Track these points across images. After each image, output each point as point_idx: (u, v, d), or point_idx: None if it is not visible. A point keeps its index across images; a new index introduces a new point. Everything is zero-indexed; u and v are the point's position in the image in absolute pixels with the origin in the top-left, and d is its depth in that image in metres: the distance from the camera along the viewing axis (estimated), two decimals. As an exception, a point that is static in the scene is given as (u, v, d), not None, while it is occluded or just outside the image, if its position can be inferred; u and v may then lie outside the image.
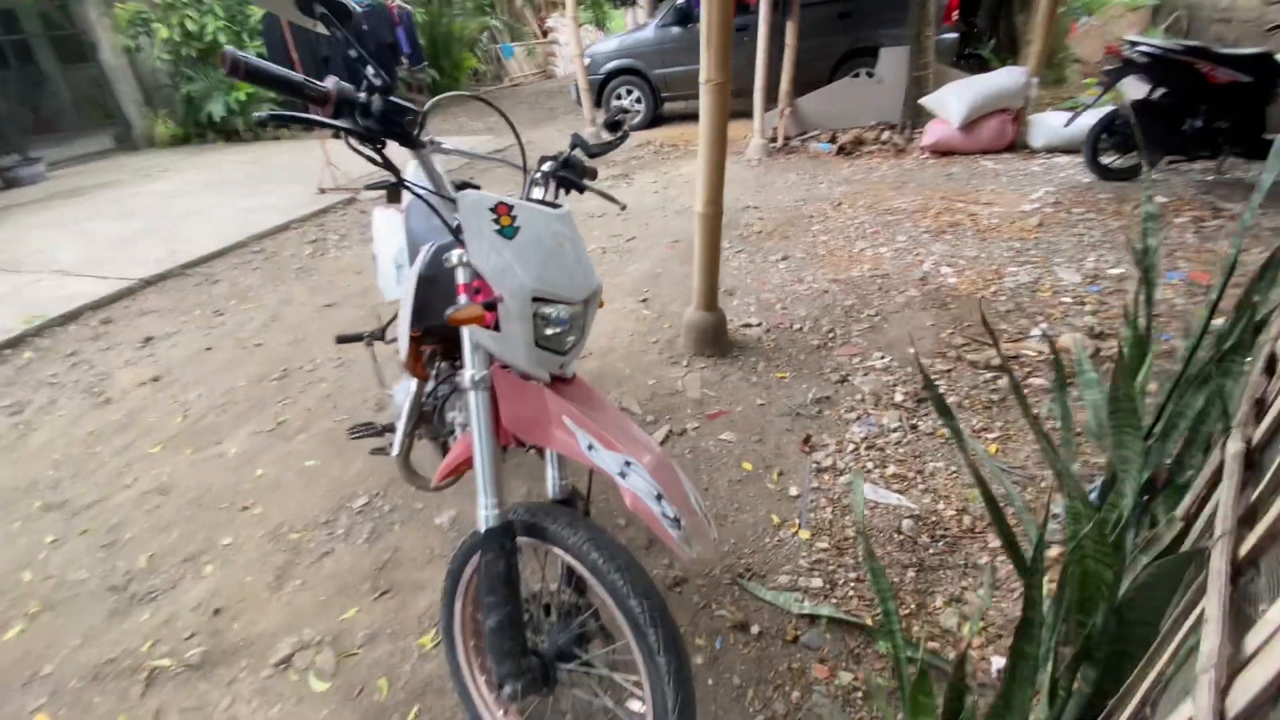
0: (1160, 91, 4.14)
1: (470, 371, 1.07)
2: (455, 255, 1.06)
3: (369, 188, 2.04)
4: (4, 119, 8.53)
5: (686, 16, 7.62)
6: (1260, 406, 0.77)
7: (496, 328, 1.04)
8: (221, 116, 8.97)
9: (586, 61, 7.70)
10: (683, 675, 0.99)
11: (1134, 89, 4.43)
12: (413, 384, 1.47)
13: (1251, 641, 0.49)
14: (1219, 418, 1.03)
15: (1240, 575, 0.56)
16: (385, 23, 6.40)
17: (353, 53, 0.98)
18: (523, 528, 1.12)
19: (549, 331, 1.06)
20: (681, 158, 6.44)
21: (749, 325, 2.94)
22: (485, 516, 1.08)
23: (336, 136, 0.96)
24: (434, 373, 1.54)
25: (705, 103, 2.27)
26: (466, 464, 1.23)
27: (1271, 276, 1.41)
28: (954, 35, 7.33)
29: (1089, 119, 4.58)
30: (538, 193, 1.26)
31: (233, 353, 3.17)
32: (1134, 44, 4.19)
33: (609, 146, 1.39)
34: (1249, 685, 0.44)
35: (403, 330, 1.24)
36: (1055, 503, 1.72)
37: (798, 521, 1.80)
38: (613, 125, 1.38)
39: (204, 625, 1.70)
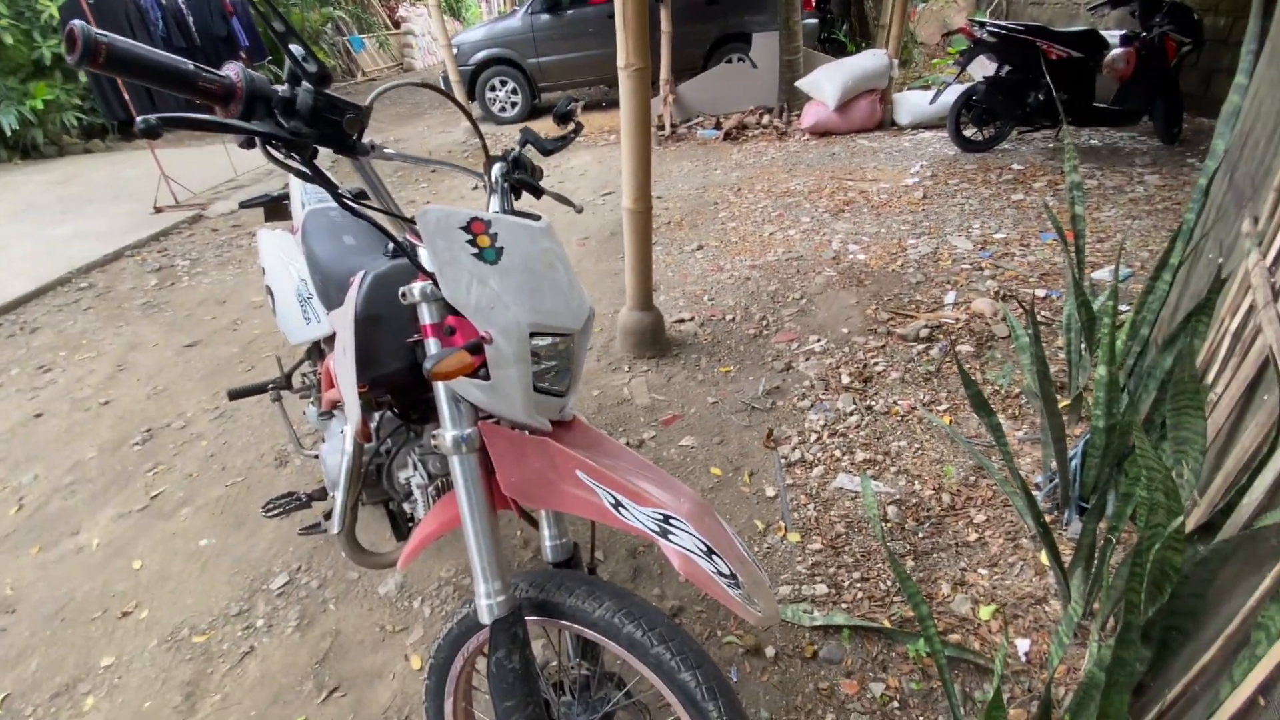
0: (1007, 69, 4.54)
1: (452, 432, 0.86)
2: (417, 289, 0.84)
3: (246, 205, 1.71)
4: None
5: (556, 4, 7.37)
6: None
7: (482, 374, 0.84)
8: (13, 130, 7.47)
9: (454, 52, 7.21)
10: (753, 748, 0.86)
11: (984, 67, 4.83)
12: (349, 443, 1.21)
13: None
14: (1189, 377, 1.06)
15: None
16: (216, 12, 5.57)
17: (278, 26, 0.73)
18: (531, 606, 0.94)
19: (544, 370, 0.88)
20: (571, 150, 6.22)
21: (682, 321, 2.85)
22: (489, 606, 0.87)
23: (249, 145, 0.71)
24: (375, 426, 1.28)
25: (626, 90, 2.12)
26: (439, 536, 1.01)
27: (1185, 243, 1.51)
28: (814, 21, 7.68)
29: (949, 96, 4.94)
30: (497, 202, 1.05)
31: (72, 417, 2.60)
32: (983, 25, 4.55)
33: (564, 141, 1.21)
34: None
35: (348, 389, 0.99)
36: (1035, 473, 1.77)
37: (783, 524, 1.73)
38: (564, 116, 1.20)
39: (94, 779, 1.33)
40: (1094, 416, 1.30)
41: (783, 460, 1.97)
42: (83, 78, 7.78)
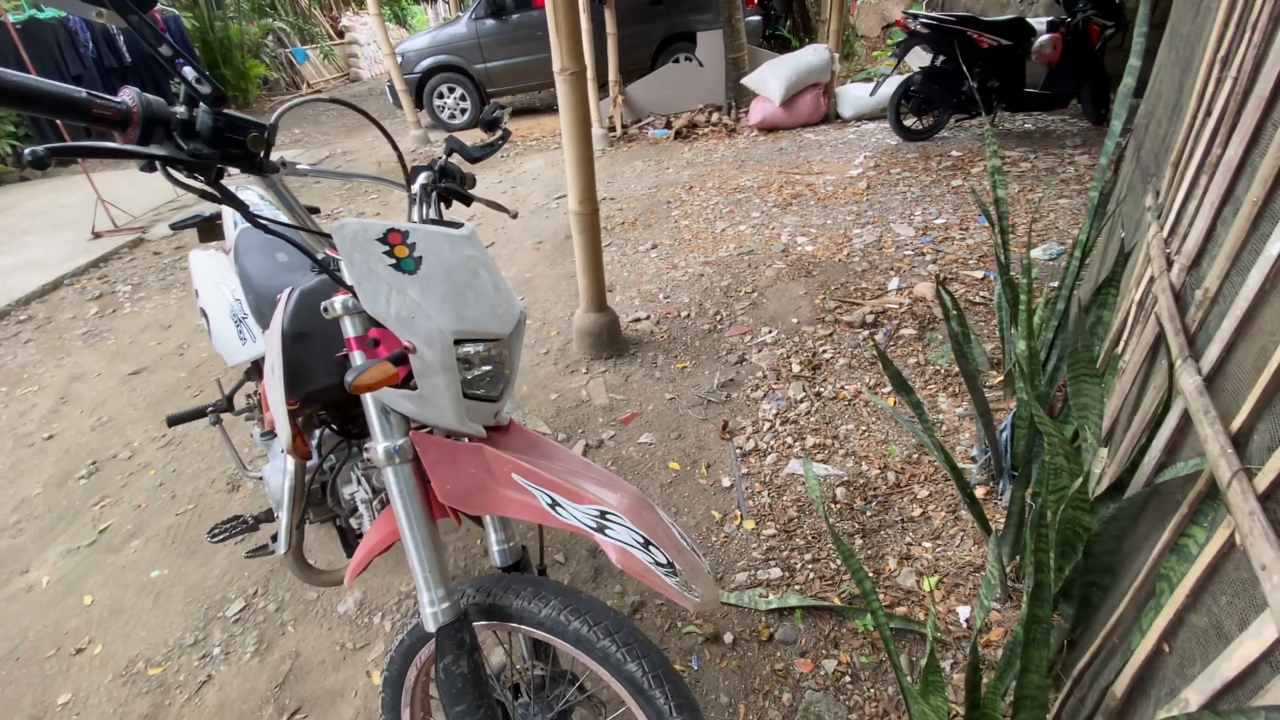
0: (941, 59, 4.69)
1: (384, 444, 0.87)
2: (338, 302, 0.85)
3: (176, 227, 1.68)
4: None
5: (500, 8, 7.33)
6: (1191, 339, 0.83)
7: (408, 384, 0.85)
8: (-70, 159, 7.13)
9: (399, 60, 7.12)
10: (699, 725, 0.89)
11: (920, 58, 4.98)
12: (290, 462, 1.20)
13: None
14: (1083, 347, 1.13)
15: (1266, 502, 0.57)
16: (148, 30, 5.40)
17: (165, 50, 0.73)
18: (479, 611, 0.95)
19: (475, 376, 0.89)
20: (522, 154, 6.21)
21: (638, 320, 2.88)
22: (433, 614, 0.89)
23: (150, 169, 0.71)
24: (316, 443, 1.28)
25: (564, 94, 2.13)
26: (383, 549, 1.02)
27: (1103, 215, 1.60)
28: (757, 18, 7.80)
29: (888, 88, 5.08)
30: (418, 212, 1.06)
31: (15, 454, 2.50)
32: (916, 17, 4.69)
33: (491, 148, 1.22)
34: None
35: (277, 407, 0.99)
36: (970, 447, 1.85)
37: (739, 513, 1.77)
38: (490, 124, 1.22)
39: (48, 823, 1.30)
40: (1019, 390, 1.37)
41: (738, 451, 2.01)
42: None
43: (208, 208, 1.62)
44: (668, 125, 6.34)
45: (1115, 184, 1.68)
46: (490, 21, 7.41)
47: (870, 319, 2.58)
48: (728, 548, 1.68)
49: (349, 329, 0.86)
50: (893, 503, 1.72)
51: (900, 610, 1.42)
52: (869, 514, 1.70)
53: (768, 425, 2.10)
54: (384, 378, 0.78)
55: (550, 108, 8.13)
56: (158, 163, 0.69)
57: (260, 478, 1.44)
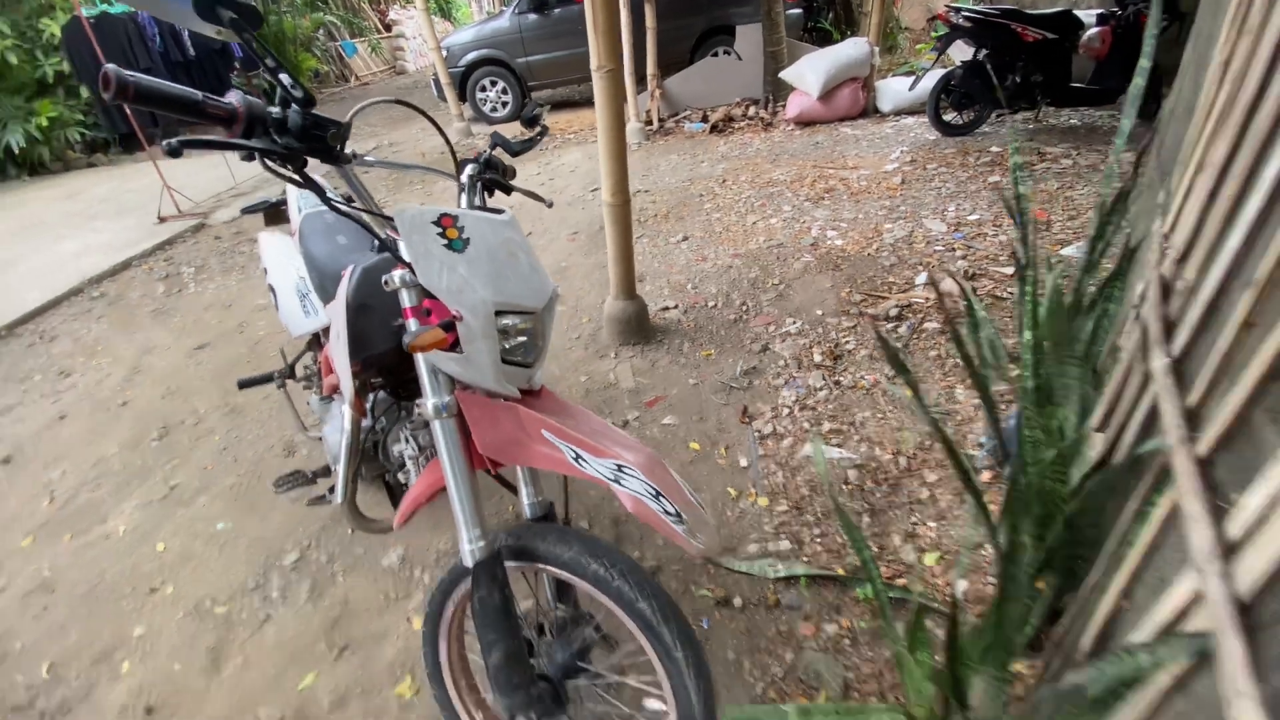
0: (984, 52, 4.63)
1: (433, 400, 1.00)
2: (397, 276, 0.98)
3: (248, 211, 1.85)
4: None
5: (543, 3, 7.48)
6: (1169, 326, 0.89)
7: (456, 349, 0.98)
8: (21, 148, 7.65)
9: (444, 54, 7.33)
10: (702, 665, 1.00)
11: (962, 51, 4.93)
12: (347, 421, 1.35)
13: (1235, 528, 0.57)
14: (1065, 331, 1.18)
15: (1204, 469, 0.64)
16: (255, 44, 5.74)
17: (270, 61, 0.87)
18: (510, 553, 1.08)
19: (512, 345, 1.01)
20: (560, 147, 6.35)
21: (667, 309, 2.98)
22: (470, 550, 1.02)
23: (249, 158, 0.85)
24: (370, 406, 1.42)
25: (600, 90, 2.24)
26: (429, 498, 1.15)
27: (1123, 209, 1.63)
28: (798, 10, 7.76)
29: (929, 81, 5.04)
30: (466, 199, 1.19)
31: (93, 418, 2.75)
32: (959, 10, 4.64)
33: (530, 143, 1.34)
34: (1253, 568, 0.51)
35: (343, 368, 1.13)
36: (981, 435, 1.90)
37: (754, 490, 1.86)
38: (530, 120, 1.34)
39: (134, 731, 1.49)
40: (1023, 378, 1.43)
41: (756, 434, 2.10)
42: (85, 95, 7.94)
43: (271, 194, 1.79)
44: (704, 119, 6.39)
45: (1135, 181, 1.70)
46: (533, 16, 7.56)
47: (895, 312, 2.63)
48: (741, 522, 1.77)
49: (406, 299, 0.99)
50: (903, 486, 1.79)
51: (900, 581, 1.50)
52: (878, 495, 1.77)
53: (786, 411, 2.18)
54: (436, 340, 0.91)
55: (589, 101, 8.25)
56: (257, 154, 0.83)
57: (319, 437, 1.60)
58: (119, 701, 1.56)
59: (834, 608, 1.48)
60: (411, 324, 0.99)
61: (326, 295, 1.45)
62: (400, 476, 1.44)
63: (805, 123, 5.88)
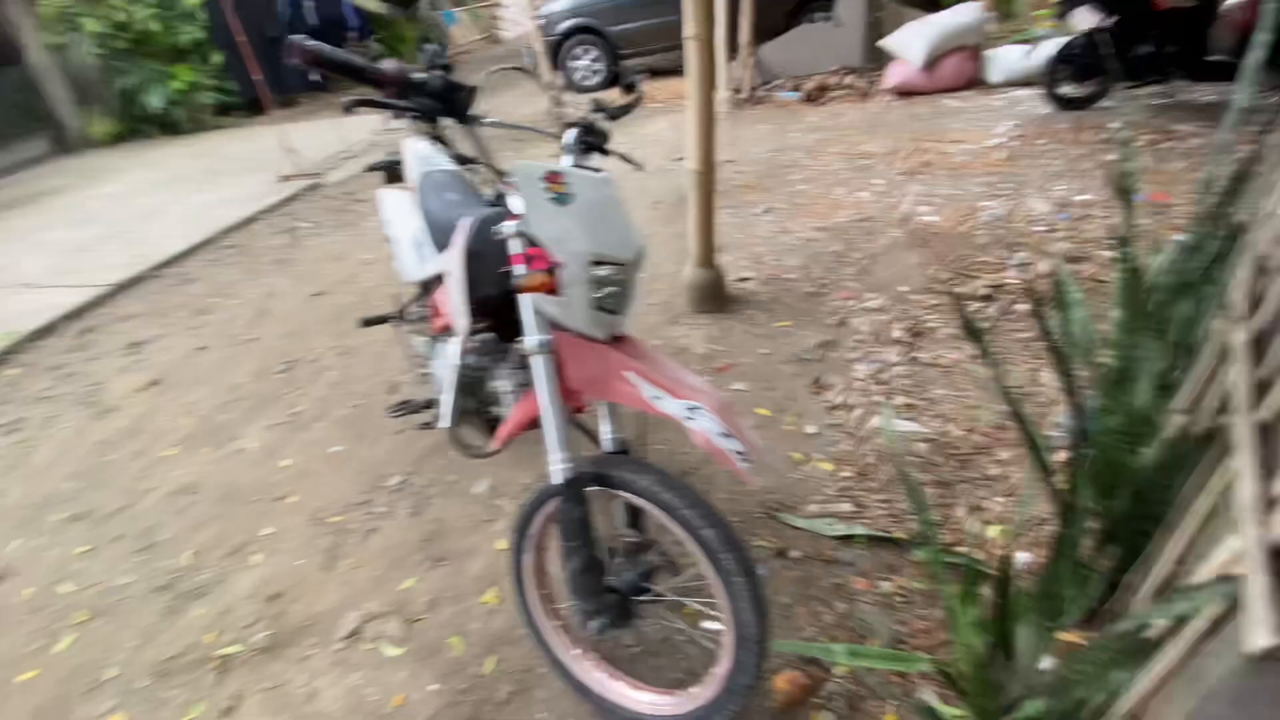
0: (1111, 20, 4.26)
1: (535, 337, 1.13)
2: (509, 226, 1.10)
3: (371, 168, 2.05)
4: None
5: (639, -30, 7.45)
6: (1256, 303, 0.88)
7: (556, 294, 1.10)
8: (161, 109, 8.50)
9: (540, 22, 7.47)
10: (758, 589, 1.10)
11: (1086, 19, 4.55)
12: (455, 356, 1.52)
13: (1282, 485, 0.59)
14: (1140, 303, 1.14)
15: (1264, 435, 0.67)
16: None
17: (430, 46, 1.01)
18: (591, 477, 1.20)
19: (605, 292, 1.12)
20: (647, 116, 6.38)
21: (744, 279, 3.03)
22: (560, 470, 1.15)
23: (398, 116, 0.99)
24: (474, 345, 1.58)
25: (691, 58, 2.29)
26: (524, 426, 1.30)
27: (1239, 190, 1.54)
28: (907, -27, 7.33)
29: (1046, 51, 4.70)
30: (567, 159, 1.29)
31: (227, 350, 3.13)
32: (1085, -27, 4.28)
33: (627, 109, 1.43)
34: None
35: (459, 306, 1.28)
36: (1059, 415, 1.87)
37: (819, 456, 1.92)
38: (628, 86, 1.42)
39: (264, 611, 1.75)
40: (1109, 358, 1.40)
41: (826, 403, 2.14)
42: (215, 60, 8.68)
43: (377, 157, 2.01)
44: (796, 88, 6.23)
45: (1255, 160, 1.58)
46: (630, -17, 7.57)
47: (985, 292, 2.56)
48: (803, 484, 1.84)
49: (515, 247, 1.11)
50: (974, 462, 1.80)
51: (960, 549, 1.53)
52: (948, 469, 1.79)
53: (859, 384, 2.20)
54: (540, 283, 1.04)
55: (676, 70, 8.19)
56: (406, 112, 0.97)
57: (425, 373, 1.79)
58: (248, 588, 1.84)
59: (890, 568, 1.53)
60: (519, 269, 1.12)
61: (440, 245, 1.62)
62: (495, 410, 1.60)
63: (905, 93, 5.63)
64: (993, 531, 1.56)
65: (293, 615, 1.72)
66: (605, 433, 1.32)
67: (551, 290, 1.09)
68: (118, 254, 4.51)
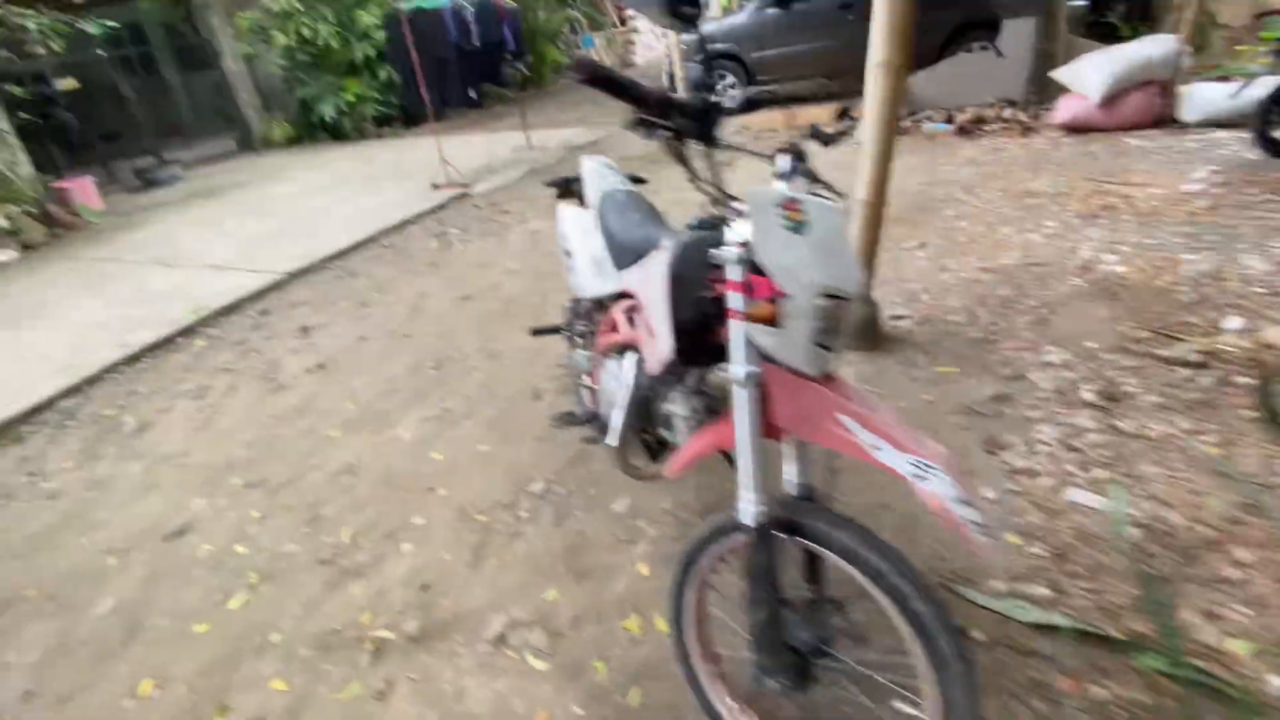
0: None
1: (744, 368, 1.07)
2: (731, 252, 1.06)
3: (550, 184, 2.11)
4: (138, 125, 9.29)
5: (788, -2, 7.43)
6: None
7: (772, 324, 1.04)
8: (331, 118, 9.48)
9: (681, 49, 7.62)
10: (976, 682, 0.97)
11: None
12: (630, 376, 1.50)
13: None
14: None
15: None
16: (493, 21, 6.61)
17: (713, 75, 1.00)
18: (782, 524, 1.12)
19: (826, 326, 1.05)
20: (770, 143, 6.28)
21: (898, 317, 2.84)
22: (753, 512, 1.08)
23: (650, 134, 0.98)
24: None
25: (875, 87, 2.18)
26: (702, 456, 1.24)
27: None
28: (1082, 3, 6.81)
29: (1258, 90, 4.14)
30: (781, 184, 1.23)
31: (385, 343, 3.35)
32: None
33: (840, 136, 1.35)
34: None
35: (660, 329, 1.25)
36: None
37: (1002, 526, 1.72)
38: (842, 113, 1.35)
39: (415, 599, 1.81)
40: None
41: (1005, 466, 1.93)
42: (381, 76, 9.57)
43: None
44: (949, 120, 5.90)
45: None
46: (773, 11, 7.55)
47: (1195, 358, 2.23)
48: (982, 556, 1.65)
49: (735, 273, 1.06)
50: (1200, 557, 1.53)
51: (1194, 662, 1.29)
52: (1167, 563, 1.54)
53: (1045, 448, 1.97)
54: (765, 314, 0.98)
55: (817, 97, 8.04)
56: (660, 130, 0.96)
57: (589, 386, 1.79)
58: (401, 574, 1.90)
59: (1103, 671, 1.32)
60: (736, 297, 1.06)
61: (621, 263, 1.62)
62: (663, 433, 1.56)
63: (1077, 130, 5.16)
64: (1238, 646, 1.30)
65: (441, 609, 1.76)
66: (790, 474, 1.23)
67: (771, 321, 1.03)
68: (291, 245, 5.01)
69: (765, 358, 1.10)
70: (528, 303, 3.56)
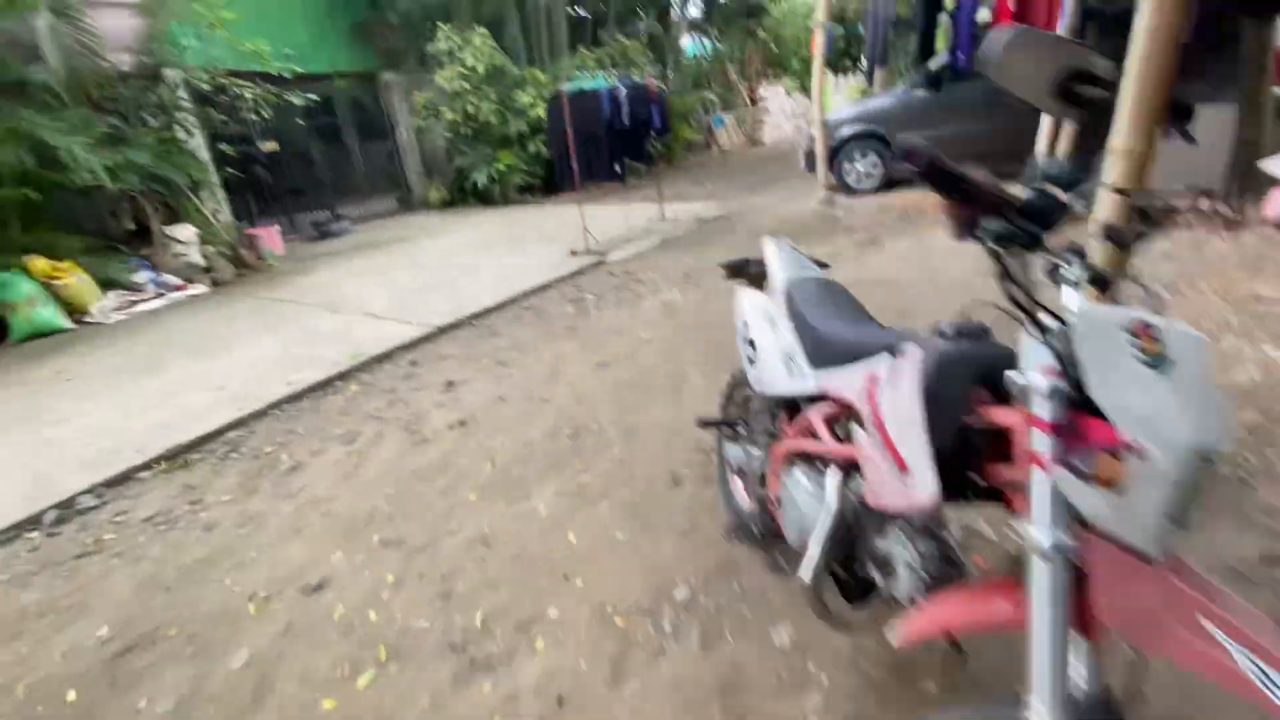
0: None
1: (1051, 534, 0.82)
2: (1043, 382, 0.83)
3: (725, 265, 1.98)
4: (321, 183, 10.55)
5: (938, 80, 7.23)
6: None
7: (1109, 485, 0.79)
8: (483, 185, 10.29)
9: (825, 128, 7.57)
10: None
11: None
12: (834, 499, 1.27)
13: None
14: None
15: None
16: (643, 101, 6.96)
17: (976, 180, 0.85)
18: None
19: (1184, 496, 0.78)
20: (933, 224, 5.94)
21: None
22: (1038, 721, 0.80)
23: (967, 235, 0.81)
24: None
25: (1115, 173, 1.90)
26: (944, 630, 0.97)
27: None
28: (1291, 88, 6.04)
29: None
30: (1070, 291, 0.99)
31: (523, 405, 3.33)
32: None
33: (1141, 235, 1.10)
34: None
35: (918, 461, 1.02)
36: None
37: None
38: (1142, 213, 1.11)
39: (549, 714, 1.61)
40: None
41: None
42: (530, 149, 10.32)
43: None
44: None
45: None
46: (922, 93, 7.38)
47: None
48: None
49: (1043, 410, 0.83)
50: None
51: None
52: None
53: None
54: (1116, 475, 0.73)
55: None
56: (993, 238, 0.78)
57: (757, 492, 1.58)
58: (534, 679, 1.72)
59: None
60: (1046, 439, 0.83)
61: (818, 361, 1.43)
62: (873, 573, 1.29)
63: (1298, 227, 4.44)
64: None
65: (580, 732, 1.55)
66: (1080, 671, 0.93)
67: (1109, 482, 0.78)
68: (440, 300, 5.28)
69: (1080, 522, 0.85)
70: (664, 373, 3.44)
